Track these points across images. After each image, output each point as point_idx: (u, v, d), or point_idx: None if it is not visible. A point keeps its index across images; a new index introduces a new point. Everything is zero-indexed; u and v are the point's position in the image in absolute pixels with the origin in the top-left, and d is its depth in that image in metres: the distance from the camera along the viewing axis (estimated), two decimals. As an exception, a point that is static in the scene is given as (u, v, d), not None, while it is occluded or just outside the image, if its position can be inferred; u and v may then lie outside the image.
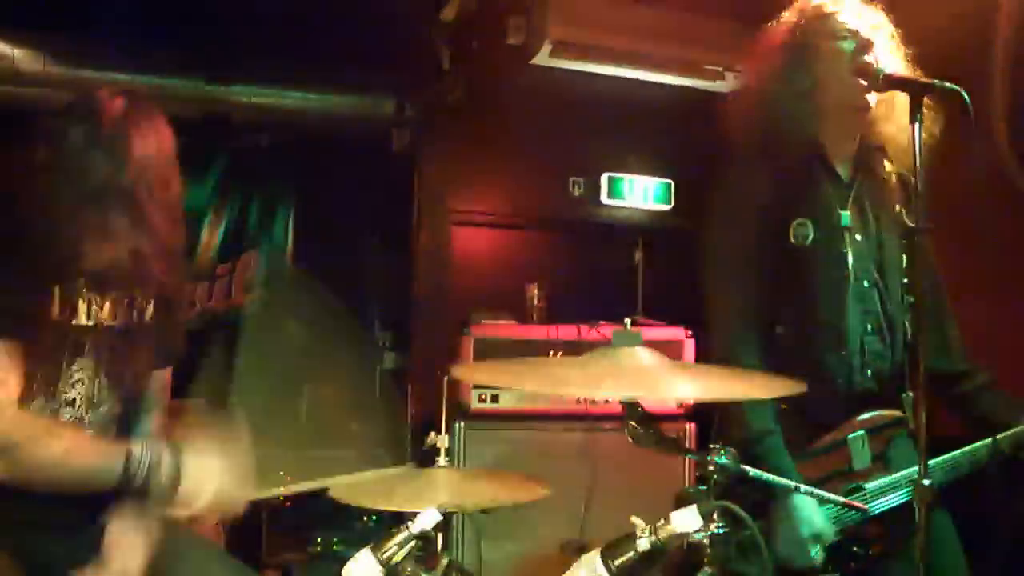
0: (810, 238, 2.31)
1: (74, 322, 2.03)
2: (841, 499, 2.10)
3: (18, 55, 3.96)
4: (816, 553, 2.17)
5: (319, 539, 4.05)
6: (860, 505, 2.13)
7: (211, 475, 1.90)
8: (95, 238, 2.00)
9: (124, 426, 2.15)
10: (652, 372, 1.70)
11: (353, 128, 4.63)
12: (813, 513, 2.17)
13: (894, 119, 2.37)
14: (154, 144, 2.08)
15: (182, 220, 2.18)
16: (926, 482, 1.86)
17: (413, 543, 1.77)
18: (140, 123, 2.07)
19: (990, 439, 2.27)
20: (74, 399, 2.04)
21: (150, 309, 2.16)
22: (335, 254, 4.75)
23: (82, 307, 2.04)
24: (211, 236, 4.76)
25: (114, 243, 2.01)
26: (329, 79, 4.51)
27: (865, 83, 2.24)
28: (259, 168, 4.81)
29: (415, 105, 4.56)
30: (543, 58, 4.20)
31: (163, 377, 2.30)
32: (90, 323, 2.05)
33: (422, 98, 4.57)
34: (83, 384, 2.05)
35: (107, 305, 2.07)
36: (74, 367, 2.03)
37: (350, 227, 4.79)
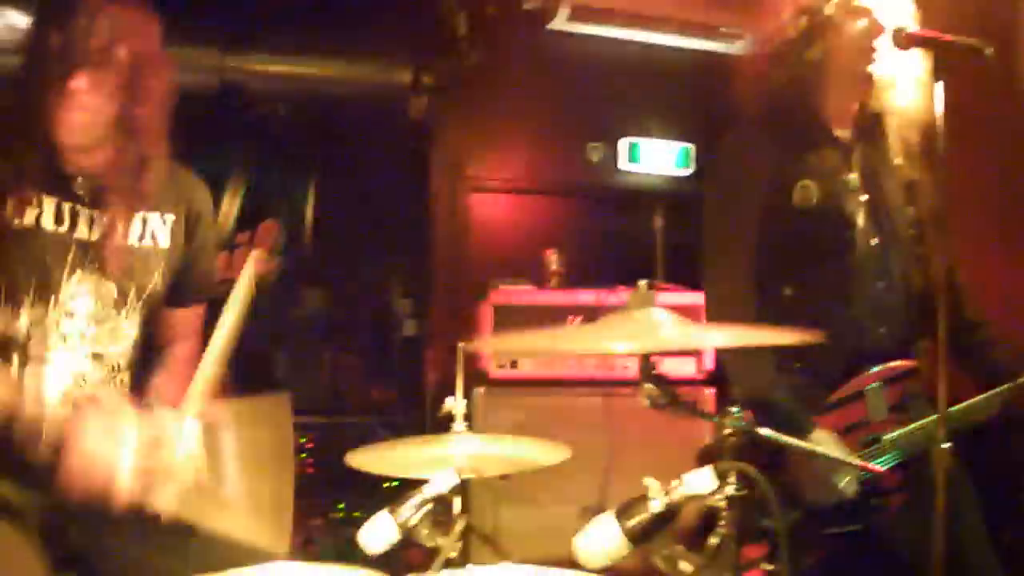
0: (814, 199, 2.34)
1: (75, 235, 2.03)
2: (855, 461, 2.12)
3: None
4: (846, 485, 2.19)
5: (340, 506, 4.09)
6: (875, 468, 2.14)
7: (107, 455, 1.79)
8: (73, 115, 1.95)
9: (145, 353, 2.16)
10: (667, 329, 1.70)
11: (370, 96, 4.61)
12: (832, 449, 2.19)
13: (896, 88, 2.41)
14: (134, 21, 2.02)
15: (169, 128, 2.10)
16: (944, 446, 1.88)
17: (430, 506, 1.78)
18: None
19: (1008, 385, 2.29)
20: (73, 311, 2.03)
21: (163, 231, 2.15)
22: (353, 222, 4.76)
23: (83, 220, 2.04)
24: (230, 205, 4.77)
25: (95, 120, 1.97)
26: (345, 47, 4.49)
27: (872, 58, 2.31)
28: (277, 137, 4.81)
29: (432, 72, 4.54)
30: (560, 23, 4.18)
31: (189, 316, 2.29)
32: (92, 237, 2.05)
33: (439, 65, 4.54)
34: (86, 298, 2.04)
35: (112, 220, 2.06)
36: (75, 279, 2.03)
37: (368, 195, 4.79)
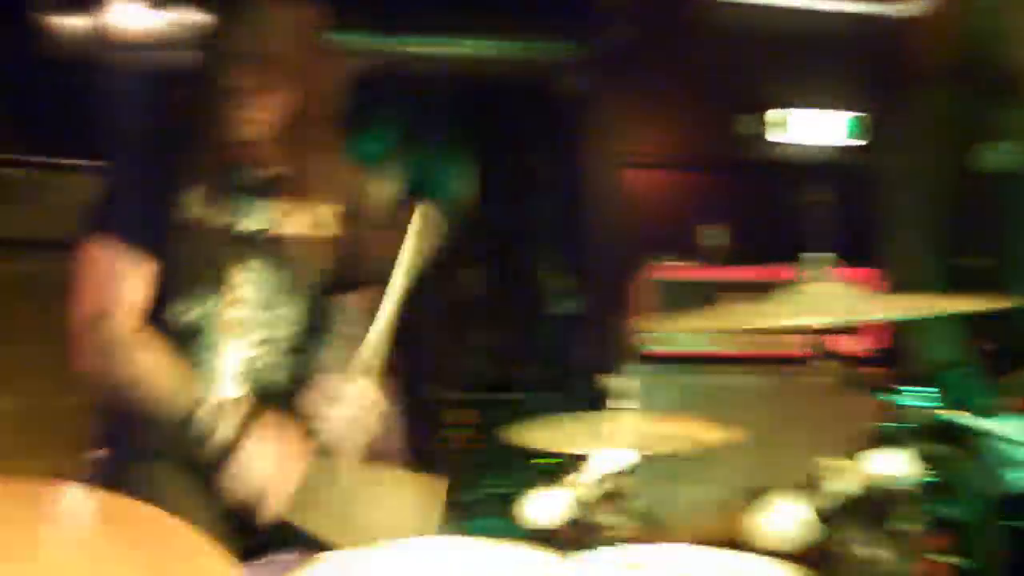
0: (1002, 163, 2.21)
1: (243, 227, 2.09)
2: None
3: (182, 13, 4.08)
4: (1014, 477, 2.06)
5: (493, 481, 4.13)
6: None
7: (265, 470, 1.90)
8: (244, 115, 2.01)
9: (309, 338, 2.21)
10: (844, 300, 1.63)
11: (523, 73, 4.62)
12: (1003, 439, 2.06)
13: None
14: (302, 20, 2.07)
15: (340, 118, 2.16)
16: None
17: (605, 484, 1.77)
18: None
19: None
20: (242, 299, 2.09)
21: (328, 220, 2.20)
22: (509, 201, 4.79)
23: (251, 211, 2.10)
24: (389, 187, 4.87)
25: (265, 117, 2.03)
26: (499, 24, 4.51)
27: None
28: (434, 118, 4.88)
29: (586, 47, 4.51)
30: (714, -8, 4.07)
31: (357, 302, 2.32)
32: (260, 228, 2.11)
33: (593, 39, 4.51)
34: (254, 286, 2.10)
35: (279, 211, 2.13)
36: (243, 269, 2.09)
37: (523, 173, 4.81)
